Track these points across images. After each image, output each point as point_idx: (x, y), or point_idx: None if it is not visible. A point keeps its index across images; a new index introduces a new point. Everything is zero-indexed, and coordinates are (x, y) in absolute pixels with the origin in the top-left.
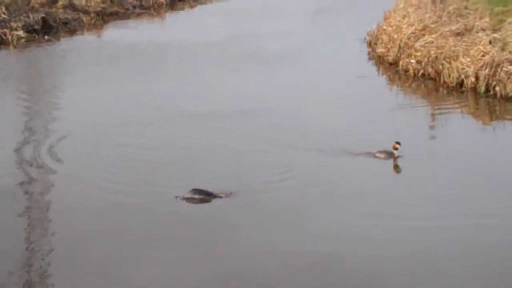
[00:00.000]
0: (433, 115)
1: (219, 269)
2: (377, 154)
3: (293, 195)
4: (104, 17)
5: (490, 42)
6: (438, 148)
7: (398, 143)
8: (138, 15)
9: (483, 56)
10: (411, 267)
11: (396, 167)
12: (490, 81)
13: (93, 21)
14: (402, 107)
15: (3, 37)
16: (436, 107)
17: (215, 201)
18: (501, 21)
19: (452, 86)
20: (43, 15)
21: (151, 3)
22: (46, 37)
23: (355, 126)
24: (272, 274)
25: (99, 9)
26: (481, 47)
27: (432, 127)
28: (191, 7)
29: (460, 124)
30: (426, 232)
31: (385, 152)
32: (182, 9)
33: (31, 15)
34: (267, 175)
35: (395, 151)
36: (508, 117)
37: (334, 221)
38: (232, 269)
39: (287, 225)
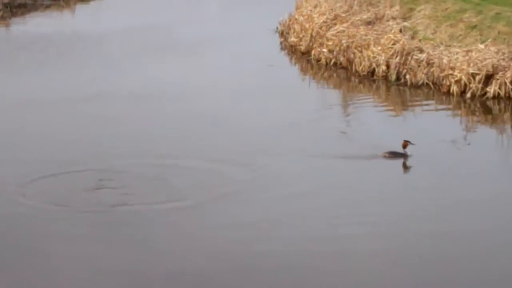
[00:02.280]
0: (346, 107)
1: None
2: (382, 154)
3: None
4: (12, 9)
5: (400, 31)
6: (354, 142)
7: (407, 141)
8: (47, 6)
9: (393, 44)
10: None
11: (405, 166)
12: (400, 69)
13: (0, 13)
14: (316, 99)
15: None
16: (349, 98)
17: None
18: (411, 9)
19: (364, 75)
20: None
21: None
22: None
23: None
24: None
25: (6, 1)
26: (392, 36)
27: (347, 121)
28: None
29: (373, 114)
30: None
31: (393, 152)
32: None
33: None
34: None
35: (405, 150)
36: (418, 104)
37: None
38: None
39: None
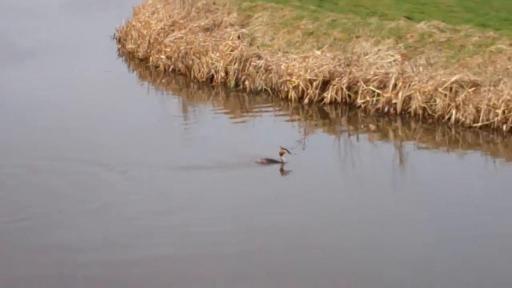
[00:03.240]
0: (185, 113)
1: None
2: (259, 161)
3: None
4: None
5: (238, 37)
6: (201, 151)
7: (284, 149)
8: None
9: (232, 51)
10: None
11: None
12: (239, 76)
13: None
14: (157, 106)
15: None
16: (190, 105)
17: None
18: (249, 16)
19: (203, 81)
20: None
21: None
22: None
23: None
24: None
25: None
26: (230, 42)
27: (186, 130)
28: None
29: (214, 121)
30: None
31: (266, 159)
32: None
33: None
34: None
35: (281, 158)
36: (258, 111)
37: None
38: None
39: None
